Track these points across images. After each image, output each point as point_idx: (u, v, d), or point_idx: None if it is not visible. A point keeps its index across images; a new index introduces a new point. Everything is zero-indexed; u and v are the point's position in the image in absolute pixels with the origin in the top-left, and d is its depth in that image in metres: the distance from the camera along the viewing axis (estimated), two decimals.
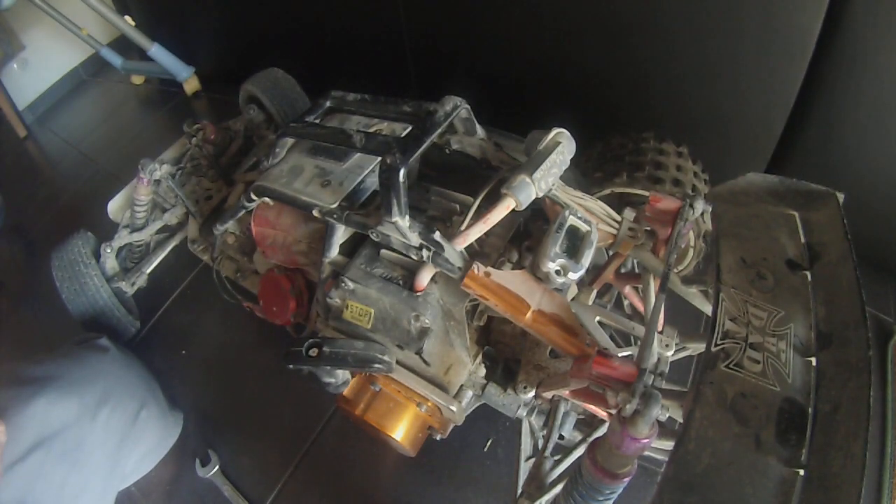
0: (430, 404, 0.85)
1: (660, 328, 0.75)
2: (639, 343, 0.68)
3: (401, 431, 0.87)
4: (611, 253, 0.90)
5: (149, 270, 1.51)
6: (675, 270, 1.01)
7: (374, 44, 1.82)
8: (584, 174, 1.04)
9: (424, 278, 0.80)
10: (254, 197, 0.98)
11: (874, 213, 1.20)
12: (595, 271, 0.93)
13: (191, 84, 2.51)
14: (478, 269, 0.74)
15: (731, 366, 0.59)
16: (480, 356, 0.90)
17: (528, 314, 0.72)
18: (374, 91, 0.97)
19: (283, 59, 1.62)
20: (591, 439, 0.85)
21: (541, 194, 0.75)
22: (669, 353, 0.72)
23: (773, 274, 0.68)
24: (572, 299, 0.89)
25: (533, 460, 0.84)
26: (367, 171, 0.91)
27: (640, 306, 1.02)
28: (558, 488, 0.76)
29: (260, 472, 1.24)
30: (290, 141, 1.00)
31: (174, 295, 1.66)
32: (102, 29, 2.64)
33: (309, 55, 2.00)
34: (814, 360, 0.61)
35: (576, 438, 0.87)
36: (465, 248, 0.77)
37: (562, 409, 0.84)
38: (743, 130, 1.30)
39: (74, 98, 2.93)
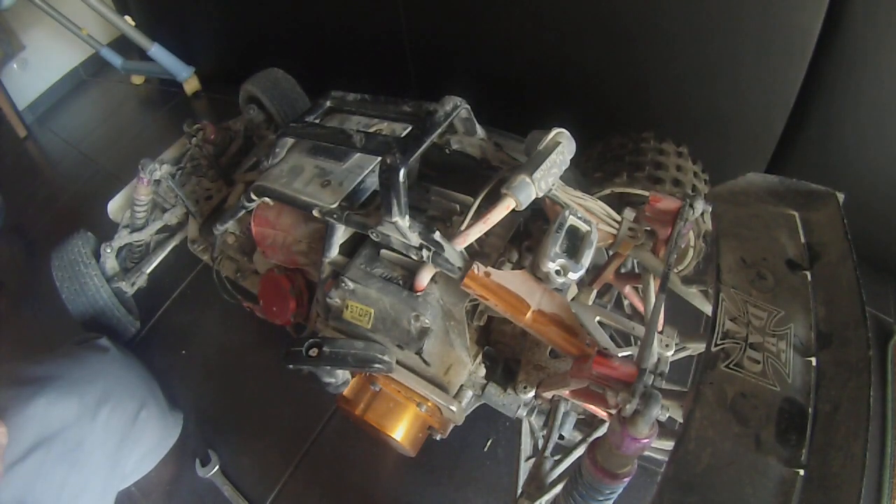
0: (430, 404, 0.85)
1: (660, 328, 0.75)
2: (639, 343, 0.68)
3: (401, 431, 0.87)
4: (611, 253, 0.90)
5: (149, 270, 1.51)
6: (675, 270, 1.01)
7: (374, 44, 1.82)
8: (584, 174, 1.04)
9: (424, 278, 0.80)
10: (254, 197, 0.98)
11: (874, 213, 1.20)
12: (595, 271, 0.93)
13: (191, 84, 2.51)
14: (478, 269, 0.74)
15: (731, 366, 0.59)
16: (480, 356, 0.90)
17: (528, 314, 0.72)
18: (374, 91, 0.97)
19: (283, 59, 1.62)
20: (591, 439, 0.85)
21: (541, 194, 0.75)
22: (669, 353, 0.72)
23: (773, 274, 0.68)
24: (572, 299, 0.89)
25: (533, 460, 0.84)
26: (367, 171, 0.91)
27: (640, 306, 1.02)
28: (558, 488, 0.76)
29: (260, 472, 1.24)
30: (290, 141, 1.00)
31: (174, 295, 1.66)
32: (102, 29, 2.64)
33: (309, 55, 2.00)
34: (814, 360, 0.61)
35: (576, 438, 0.87)
36: (465, 248, 0.77)
37: (562, 409, 0.84)
38: (743, 130, 1.30)
39: (74, 98, 2.93)
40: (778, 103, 1.20)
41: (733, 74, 1.21)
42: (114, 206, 1.48)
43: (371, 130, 0.96)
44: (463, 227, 0.78)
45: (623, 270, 1.01)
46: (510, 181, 0.73)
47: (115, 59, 2.61)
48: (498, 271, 0.74)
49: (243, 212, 1.06)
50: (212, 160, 1.44)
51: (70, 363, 1.12)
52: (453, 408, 0.83)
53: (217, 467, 1.24)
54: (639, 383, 0.56)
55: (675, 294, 0.88)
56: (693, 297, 0.89)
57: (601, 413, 0.83)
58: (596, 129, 1.12)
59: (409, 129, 0.90)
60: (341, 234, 0.91)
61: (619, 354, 0.63)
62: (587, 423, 0.90)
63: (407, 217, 0.76)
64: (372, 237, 0.82)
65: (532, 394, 0.81)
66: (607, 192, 0.99)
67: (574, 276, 0.72)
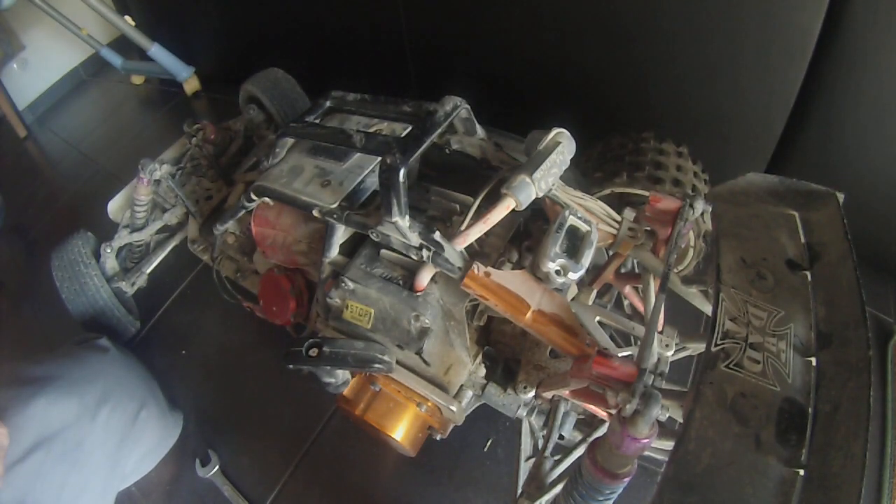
0: (430, 404, 0.85)
1: (660, 328, 0.75)
2: (639, 343, 0.68)
3: (401, 431, 0.87)
4: (611, 253, 0.90)
5: (149, 270, 1.51)
6: (675, 270, 1.01)
7: (374, 44, 1.82)
8: (584, 174, 1.04)
9: (424, 278, 0.80)
10: (254, 197, 0.98)
11: (874, 213, 1.20)
12: (595, 271, 0.93)
13: (191, 84, 2.51)
14: (478, 269, 0.74)
15: (731, 366, 0.59)
16: (480, 356, 0.90)
17: (528, 314, 0.72)
18: (374, 91, 0.97)
19: (283, 59, 1.62)
20: (591, 439, 0.85)
21: (541, 194, 0.75)
22: (669, 353, 0.72)
23: (773, 274, 0.68)
24: (572, 299, 0.89)
25: (533, 460, 0.84)
26: (367, 171, 0.91)
27: (640, 306, 1.02)
28: (558, 488, 0.76)
29: (260, 472, 1.24)
30: (290, 141, 1.00)
31: (174, 295, 1.66)
32: (102, 29, 2.64)
33: (309, 55, 2.00)
34: (814, 360, 0.61)
35: (576, 438, 0.87)
36: (465, 248, 0.77)
37: (562, 409, 0.84)
38: (743, 130, 1.30)
39: (74, 98, 2.93)
40: (778, 103, 1.20)
41: (733, 74, 1.21)
42: (114, 206, 1.48)
43: (371, 130, 0.96)
44: (463, 227, 0.78)
45: (623, 270, 1.01)
46: (510, 181, 0.73)
47: (115, 59, 2.61)
48: (498, 271, 0.74)
49: (243, 212, 1.06)
50: (212, 160, 1.44)
51: (70, 363, 1.12)
52: (453, 408, 0.83)
53: (217, 467, 1.24)
54: (639, 383, 0.56)
55: (675, 294, 0.88)
56: (693, 297, 0.89)
57: (601, 413, 0.83)
58: (596, 129, 1.12)
59: (409, 129, 0.90)
60: (341, 234, 0.91)
61: (619, 354, 0.62)
62: (587, 423, 0.90)
63: (407, 217, 0.76)
64: (372, 237, 0.82)
65: (532, 394, 0.81)
66: (607, 192, 0.99)
67: (574, 276, 0.72)
